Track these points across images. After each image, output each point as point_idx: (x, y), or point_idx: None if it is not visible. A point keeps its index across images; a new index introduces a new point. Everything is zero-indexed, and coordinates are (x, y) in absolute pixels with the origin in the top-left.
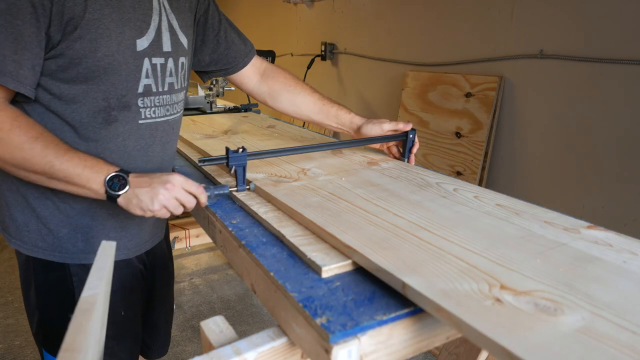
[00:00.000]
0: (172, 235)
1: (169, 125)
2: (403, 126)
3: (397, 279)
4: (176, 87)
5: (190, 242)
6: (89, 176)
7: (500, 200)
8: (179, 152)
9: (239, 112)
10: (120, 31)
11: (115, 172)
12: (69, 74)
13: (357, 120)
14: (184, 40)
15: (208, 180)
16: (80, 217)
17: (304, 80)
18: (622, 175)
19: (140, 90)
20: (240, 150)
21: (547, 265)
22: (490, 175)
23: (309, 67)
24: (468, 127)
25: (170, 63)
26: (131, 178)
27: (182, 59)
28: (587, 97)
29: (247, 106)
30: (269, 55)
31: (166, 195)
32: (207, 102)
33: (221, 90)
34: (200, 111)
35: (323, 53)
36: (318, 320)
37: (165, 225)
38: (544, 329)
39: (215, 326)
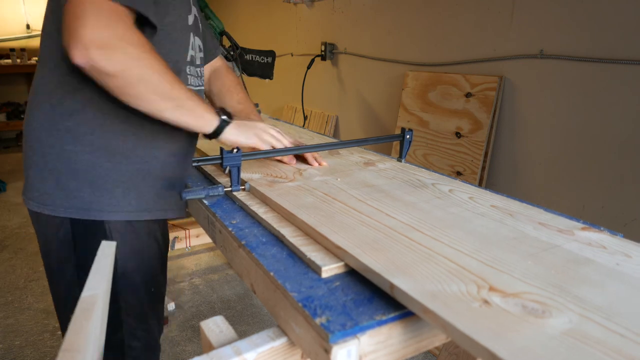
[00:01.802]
0: (172, 235)
1: (201, 94)
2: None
3: (385, 280)
4: (201, 63)
5: (190, 242)
6: (204, 111)
7: (495, 201)
8: None
9: None
10: (180, 6)
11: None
12: (144, 33)
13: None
14: (199, 23)
15: (207, 180)
16: (133, 178)
17: (303, 80)
18: (622, 175)
19: (188, 59)
20: (235, 150)
21: (538, 267)
22: (490, 175)
23: (309, 67)
24: (468, 127)
25: (198, 41)
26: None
27: (200, 41)
28: (587, 97)
29: None
30: (269, 55)
31: (271, 135)
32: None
33: None
34: None
35: (323, 53)
36: (318, 320)
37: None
38: (531, 331)
39: (215, 326)
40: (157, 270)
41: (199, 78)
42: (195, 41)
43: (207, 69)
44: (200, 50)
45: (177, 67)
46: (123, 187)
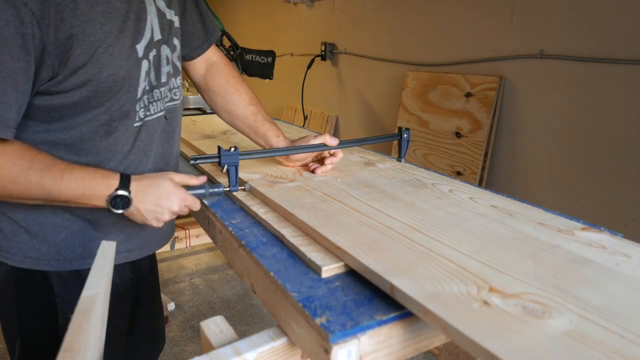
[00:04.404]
0: (172, 236)
1: (170, 113)
2: (329, 139)
3: (386, 281)
4: (171, 73)
5: (190, 242)
6: (91, 196)
7: (495, 201)
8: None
9: None
10: (122, 44)
11: (117, 190)
12: (71, 98)
13: (282, 143)
14: (173, 17)
15: (207, 180)
16: (77, 222)
17: (303, 80)
18: (622, 175)
19: (139, 95)
20: (232, 149)
21: (538, 267)
22: (490, 175)
23: (309, 67)
24: (468, 127)
25: (164, 50)
26: (134, 194)
27: (175, 41)
28: (587, 97)
29: None
30: (269, 55)
31: (172, 216)
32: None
33: None
34: (201, 111)
35: (323, 53)
36: (318, 320)
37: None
38: (531, 332)
39: (215, 326)
40: (117, 309)
41: (165, 99)
42: (155, 58)
43: (202, 65)
44: (167, 62)
45: (123, 110)
46: (66, 233)
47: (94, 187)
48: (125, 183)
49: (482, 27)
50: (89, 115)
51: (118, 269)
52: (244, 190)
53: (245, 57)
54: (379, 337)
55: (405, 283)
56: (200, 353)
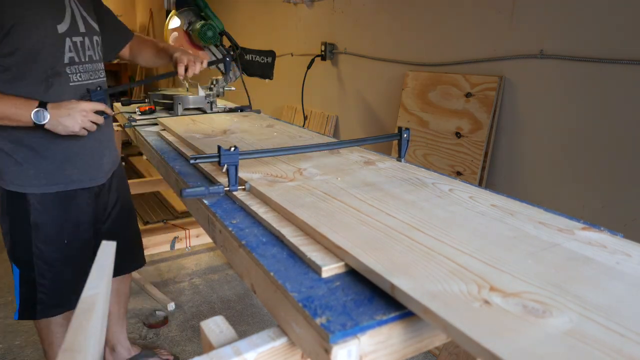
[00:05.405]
0: (172, 236)
1: (94, 86)
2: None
3: (386, 280)
4: (94, 58)
5: (190, 242)
6: (20, 113)
7: (495, 200)
8: (179, 152)
9: (240, 111)
10: (43, 21)
11: (36, 108)
12: (15, 58)
13: (171, 50)
14: (93, 24)
15: (207, 180)
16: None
17: (303, 80)
18: (622, 175)
19: (66, 60)
20: (232, 148)
21: (538, 266)
22: (490, 175)
23: (309, 67)
24: (468, 127)
25: (87, 40)
26: (50, 110)
27: (95, 37)
28: (587, 97)
29: (243, 107)
30: (269, 55)
31: (83, 119)
32: (208, 102)
33: (221, 90)
34: (201, 111)
35: (323, 53)
36: (318, 320)
37: (118, 160)
38: (531, 331)
39: (215, 326)
40: (75, 226)
41: (90, 73)
42: (80, 43)
43: (126, 49)
44: (90, 49)
45: (55, 70)
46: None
47: (21, 105)
48: (43, 104)
49: (482, 27)
50: (31, 72)
51: (81, 194)
52: (244, 189)
53: (245, 57)
54: (379, 337)
55: (406, 282)
56: (200, 353)
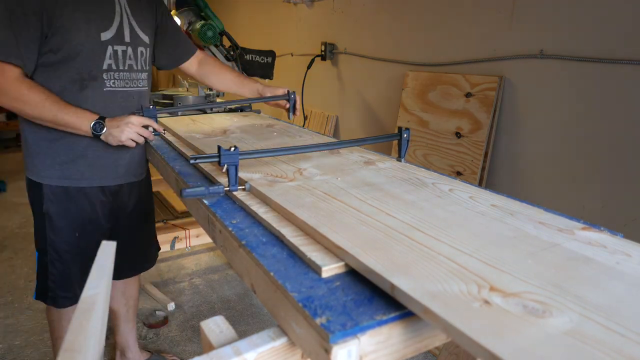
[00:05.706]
0: (172, 236)
1: (128, 94)
2: (281, 91)
3: (386, 280)
4: (135, 68)
5: (190, 242)
6: (81, 122)
7: (495, 200)
8: (179, 152)
9: (240, 111)
10: (87, 27)
11: (96, 119)
12: (57, 56)
13: (260, 87)
14: (143, 36)
15: (207, 180)
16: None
17: (303, 80)
18: (622, 175)
19: (105, 67)
20: (232, 148)
21: (538, 266)
22: (490, 175)
23: (309, 67)
24: (468, 127)
25: (130, 50)
26: (107, 122)
27: (140, 49)
28: (587, 97)
29: (242, 107)
30: (269, 55)
31: (130, 131)
32: (208, 102)
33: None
34: (201, 111)
35: (323, 53)
36: (318, 320)
37: (146, 171)
38: (531, 331)
39: (215, 326)
40: (84, 222)
41: (127, 81)
42: (122, 52)
43: (195, 62)
44: (132, 58)
45: (92, 74)
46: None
47: (84, 116)
48: (102, 117)
49: (482, 27)
50: (68, 71)
51: (91, 192)
52: (244, 189)
53: (245, 57)
54: (379, 337)
55: (406, 282)
56: (200, 353)
